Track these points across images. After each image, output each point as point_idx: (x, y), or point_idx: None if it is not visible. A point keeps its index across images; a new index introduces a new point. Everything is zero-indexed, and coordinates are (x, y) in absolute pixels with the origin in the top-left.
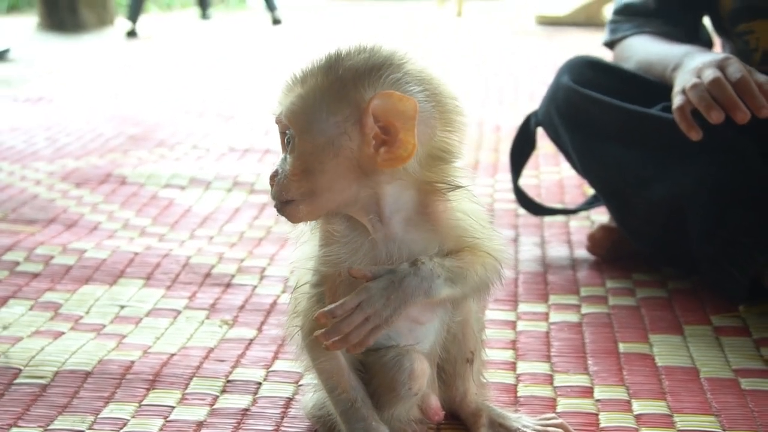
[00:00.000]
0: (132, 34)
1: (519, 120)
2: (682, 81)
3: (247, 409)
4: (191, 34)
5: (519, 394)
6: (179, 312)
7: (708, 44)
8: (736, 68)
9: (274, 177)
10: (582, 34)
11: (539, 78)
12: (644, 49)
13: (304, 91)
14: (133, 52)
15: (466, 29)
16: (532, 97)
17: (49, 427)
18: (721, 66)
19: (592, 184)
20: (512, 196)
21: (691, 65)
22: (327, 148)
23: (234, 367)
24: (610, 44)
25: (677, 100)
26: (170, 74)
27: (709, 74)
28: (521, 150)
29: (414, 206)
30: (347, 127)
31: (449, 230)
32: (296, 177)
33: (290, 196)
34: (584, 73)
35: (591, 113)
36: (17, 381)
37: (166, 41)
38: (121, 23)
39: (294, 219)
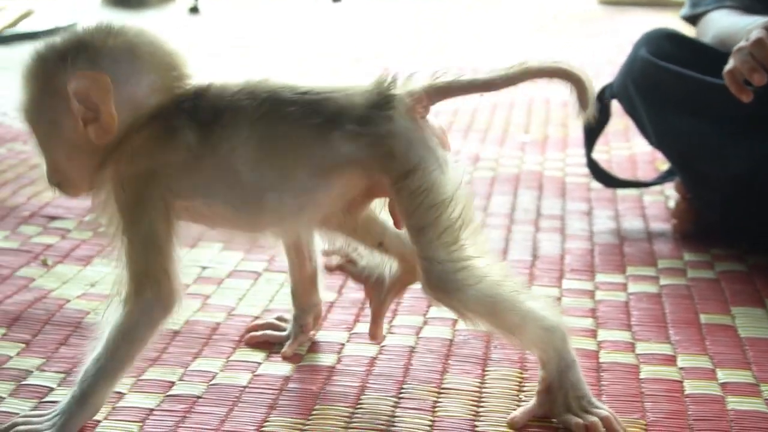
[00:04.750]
0: (194, 10)
1: None
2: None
3: (332, 367)
4: (253, 11)
5: (601, 360)
6: (259, 274)
7: None
8: None
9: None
10: (646, 14)
11: (604, 57)
12: (720, 24)
13: (24, 81)
14: (196, 28)
15: (528, 8)
16: (597, 76)
17: (141, 378)
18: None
19: (667, 156)
20: (584, 170)
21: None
22: (50, 134)
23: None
24: (691, 18)
25: (728, 63)
26: (231, 51)
27: (754, 35)
28: (595, 122)
29: None
30: (59, 112)
31: None
32: (45, 165)
33: (53, 181)
34: (662, 45)
35: (667, 86)
36: None
37: (228, 17)
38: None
39: (69, 196)
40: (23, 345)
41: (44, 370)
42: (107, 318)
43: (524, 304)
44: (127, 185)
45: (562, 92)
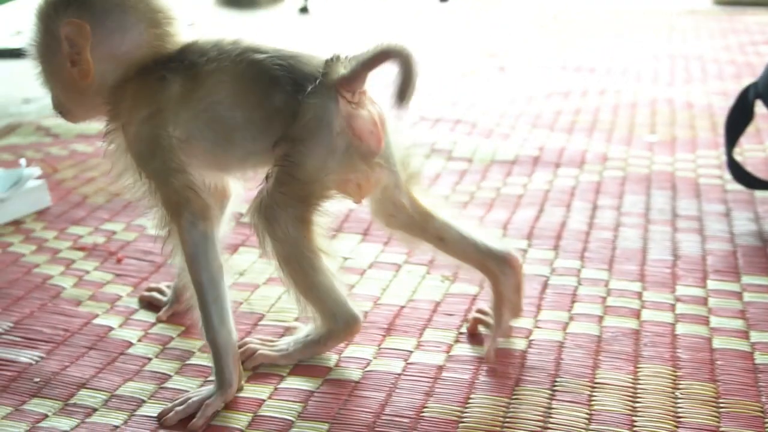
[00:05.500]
0: (304, 10)
1: (710, 99)
2: None
3: (482, 358)
4: (363, 11)
5: (757, 362)
6: (399, 266)
7: None
8: None
9: None
10: (764, 13)
11: (725, 57)
12: None
13: (33, 22)
14: (305, 28)
15: (641, 8)
16: (720, 76)
17: (297, 364)
18: None
19: None
20: (717, 171)
21: None
22: (48, 70)
23: (463, 321)
24: None
25: None
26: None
27: None
28: (737, 122)
29: None
30: (55, 52)
31: None
32: (51, 95)
33: (56, 110)
34: None
35: None
36: (262, 323)
37: (335, 17)
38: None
39: (69, 122)
40: (183, 328)
41: (205, 352)
42: (171, 257)
43: (322, 276)
44: (140, 130)
45: (684, 94)
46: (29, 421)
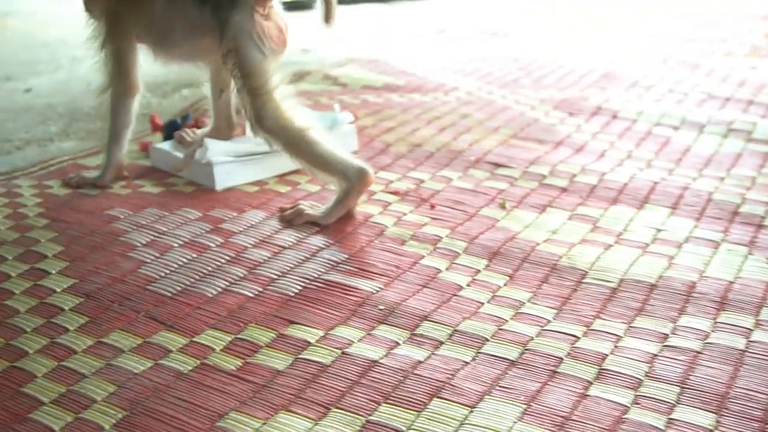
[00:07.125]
0: None
1: None
2: None
3: None
4: None
5: None
6: (718, 243)
7: None
8: None
9: None
10: None
11: None
12: None
13: None
14: (389, 15)
15: None
16: None
17: (632, 325)
18: None
19: None
20: None
21: None
22: None
23: None
24: None
25: None
26: (423, 38)
27: None
28: None
29: None
30: None
31: None
32: None
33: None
34: None
35: None
36: (585, 280)
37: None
38: None
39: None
40: (507, 278)
41: (535, 303)
42: (105, 99)
43: (319, 146)
44: (106, 17)
45: None
46: (384, 347)
